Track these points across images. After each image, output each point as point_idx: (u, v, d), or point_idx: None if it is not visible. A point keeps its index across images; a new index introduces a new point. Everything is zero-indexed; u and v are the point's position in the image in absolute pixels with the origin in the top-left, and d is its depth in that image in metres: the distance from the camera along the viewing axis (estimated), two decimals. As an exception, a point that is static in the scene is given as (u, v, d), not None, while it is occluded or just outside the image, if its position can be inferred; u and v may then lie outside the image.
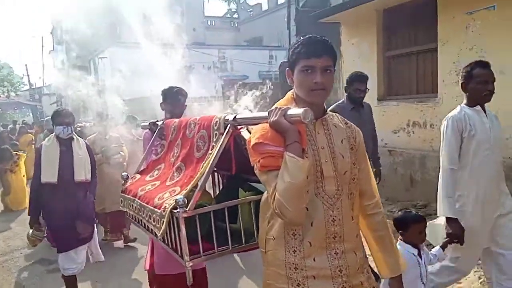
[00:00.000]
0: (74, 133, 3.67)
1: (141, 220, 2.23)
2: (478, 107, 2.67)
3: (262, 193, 1.91)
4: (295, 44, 1.57)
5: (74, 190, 3.50)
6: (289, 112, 1.47)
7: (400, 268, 1.79)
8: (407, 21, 6.29)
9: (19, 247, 5.62)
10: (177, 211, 1.74)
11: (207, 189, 2.41)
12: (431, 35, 5.80)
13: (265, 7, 26.19)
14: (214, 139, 2.00)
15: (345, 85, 4.00)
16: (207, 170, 1.83)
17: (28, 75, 28.61)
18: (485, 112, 2.68)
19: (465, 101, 2.74)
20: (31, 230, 3.55)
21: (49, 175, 3.44)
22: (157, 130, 2.87)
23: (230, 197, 2.27)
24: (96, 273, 4.33)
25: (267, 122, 1.54)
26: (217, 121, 2.01)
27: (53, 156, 3.49)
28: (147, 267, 3.06)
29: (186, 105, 3.31)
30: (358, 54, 7.11)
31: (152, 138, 2.87)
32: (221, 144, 1.86)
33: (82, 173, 3.53)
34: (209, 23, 26.82)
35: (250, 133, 2.00)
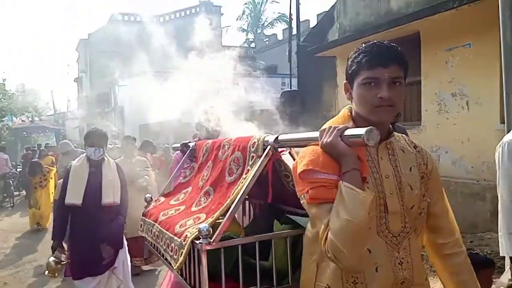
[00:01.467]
0: (105, 154, 3.52)
1: (159, 249, 1.97)
2: None
3: (301, 227, 1.62)
4: (356, 51, 1.32)
5: (101, 213, 3.30)
6: (348, 132, 1.20)
7: None
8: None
9: (30, 260, 5.50)
10: (199, 242, 1.47)
11: (236, 218, 2.15)
12: (416, 69, 6.37)
13: (280, 37, 26.71)
14: (250, 163, 1.74)
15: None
16: (239, 196, 1.57)
17: (53, 101, 30.13)
18: None
19: None
20: (51, 258, 3.33)
21: (74, 196, 3.28)
22: (188, 151, 2.67)
23: (262, 230, 1.98)
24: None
25: (317, 145, 1.27)
26: (255, 142, 1.76)
27: (81, 177, 3.35)
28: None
29: (219, 131, 3.11)
30: None
31: (182, 160, 2.66)
32: (258, 168, 1.60)
33: (110, 196, 3.34)
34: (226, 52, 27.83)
35: (293, 157, 1.73)
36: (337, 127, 1.23)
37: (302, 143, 1.46)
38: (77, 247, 3.30)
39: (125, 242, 3.55)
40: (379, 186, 1.27)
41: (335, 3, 9.19)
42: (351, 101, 1.37)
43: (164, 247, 1.82)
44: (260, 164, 1.60)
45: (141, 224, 2.38)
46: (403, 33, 6.46)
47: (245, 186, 1.58)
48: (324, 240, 1.15)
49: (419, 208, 1.31)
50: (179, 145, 3.05)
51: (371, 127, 1.14)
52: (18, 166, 14.55)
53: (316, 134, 1.35)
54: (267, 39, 30.20)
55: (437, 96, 6.19)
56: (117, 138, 5.48)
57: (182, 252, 1.57)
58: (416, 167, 1.35)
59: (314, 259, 1.32)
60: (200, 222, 1.68)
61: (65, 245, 3.39)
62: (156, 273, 5.06)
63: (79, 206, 3.25)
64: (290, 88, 12.25)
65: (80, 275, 3.25)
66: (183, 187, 2.42)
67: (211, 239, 1.48)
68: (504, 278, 2.36)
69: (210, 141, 2.35)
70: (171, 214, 2.03)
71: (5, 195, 11.47)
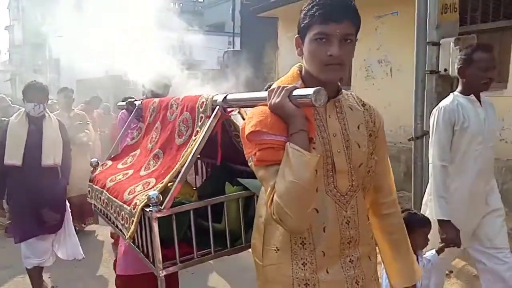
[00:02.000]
0: (46, 110, 3.27)
1: (109, 216, 1.90)
2: (473, 96, 2.35)
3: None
4: (309, 3, 1.23)
5: (41, 175, 3.13)
6: (296, 92, 1.15)
7: (416, 276, 1.52)
8: None
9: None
10: (149, 210, 1.42)
11: (188, 179, 2.10)
12: None
13: None
14: (199, 123, 1.67)
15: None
16: (188, 160, 1.51)
17: None
18: (479, 102, 2.36)
19: (459, 88, 2.41)
20: None
21: (13, 156, 3.06)
22: (134, 110, 2.53)
23: (215, 191, 1.96)
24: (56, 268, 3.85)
25: (266, 105, 1.22)
26: (203, 102, 1.68)
27: (20, 136, 3.10)
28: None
29: (170, 85, 2.97)
30: (292, 46, 7.96)
31: (128, 120, 2.53)
32: (207, 129, 1.53)
33: (50, 157, 3.15)
34: (172, 5, 26.62)
35: (243, 117, 1.68)
36: (285, 87, 1.17)
37: (250, 103, 1.40)
38: (18, 211, 3.14)
39: (68, 204, 3.43)
40: (327, 145, 1.25)
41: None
42: (302, 58, 1.31)
43: (115, 215, 1.76)
44: (209, 125, 1.54)
45: (89, 191, 2.28)
46: None
47: (194, 149, 1.52)
48: (270, 202, 1.14)
49: (367, 166, 1.31)
50: (124, 103, 2.89)
51: (319, 87, 1.10)
52: None
53: (265, 94, 1.29)
54: None
55: (365, 62, 6.48)
56: (64, 92, 5.02)
57: (133, 221, 1.52)
58: (364, 125, 1.34)
59: (262, 221, 1.32)
60: (150, 188, 1.62)
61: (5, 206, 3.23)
62: (95, 235, 4.97)
63: (19, 167, 3.06)
64: (233, 47, 12.04)
65: (23, 236, 3.13)
66: (130, 149, 2.31)
67: (161, 206, 1.44)
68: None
69: (156, 100, 2.23)
70: (119, 179, 1.94)
71: None
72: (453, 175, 2.35)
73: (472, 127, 2.30)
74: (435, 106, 2.47)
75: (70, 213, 3.43)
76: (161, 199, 1.43)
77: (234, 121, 1.71)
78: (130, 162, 2.16)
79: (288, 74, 1.33)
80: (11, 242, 3.29)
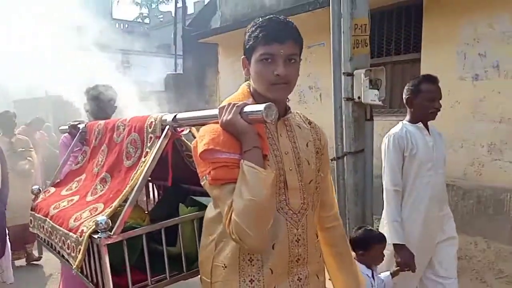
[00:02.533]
0: None
1: (54, 246, 1.78)
2: (421, 124, 2.48)
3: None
4: (253, 26, 1.26)
5: None
6: (247, 108, 1.16)
7: (361, 286, 1.56)
8: None
9: None
10: (98, 237, 1.35)
11: (139, 202, 2.03)
12: None
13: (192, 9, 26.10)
14: (149, 144, 1.63)
15: None
16: (139, 182, 1.46)
17: None
18: (428, 130, 2.49)
19: (408, 117, 2.54)
20: None
21: None
22: (78, 134, 2.42)
23: (168, 214, 1.91)
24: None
25: (217, 123, 1.22)
26: (152, 122, 1.64)
27: None
28: None
29: (116, 106, 2.87)
30: (232, 71, 8.31)
31: (72, 144, 2.41)
32: (158, 150, 1.50)
33: None
34: (117, 26, 26.40)
35: (194, 136, 1.66)
36: (236, 103, 1.18)
37: (201, 121, 1.39)
38: None
39: (7, 231, 3.20)
40: (279, 163, 1.26)
41: (218, -11, 9.67)
42: (249, 77, 1.33)
43: (60, 244, 1.65)
44: (159, 146, 1.50)
45: (31, 220, 2.13)
46: None
47: (144, 171, 1.47)
48: (228, 222, 1.12)
49: (315, 183, 1.34)
50: (66, 127, 2.76)
51: (269, 103, 1.11)
52: None
53: (215, 111, 1.29)
54: (161, 15, 28.83)
55: (298, 88, 6.86)
56: (4, 116, 4.63)
57: (80, 249, 1.43)
58: (312, 142, 1.37)
59: (213, 239, 1.29)
60: (98, 213, 1.55)
61: None
62: (43, 268, 4.65)
63: None
64: (176, 70, 12.23)
65: None
66: (75, 174, 2.20)
67: (111, 231, 1.37)
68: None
69: (102, 122, 2.15)
70: (64, 206, 1.83)
71: None
72: (406, 200, 2.43)
73: (420, 153, 2.39)
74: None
75: (14, 243, 3.20)
76: (110, 224, 1.37)
77: (186, 140, 1.68)
78: (75, 187, 2.06)
79: (238, 92, 1.34)
80: None
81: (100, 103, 2.75)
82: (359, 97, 2.96)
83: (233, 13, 8.34)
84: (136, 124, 1.77)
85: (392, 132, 2.49)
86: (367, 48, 3.33)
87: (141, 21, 29.10)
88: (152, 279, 1.48)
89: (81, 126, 2.47)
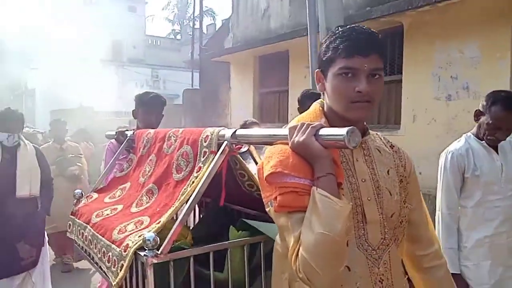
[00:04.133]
0: (21, 138, 3.08)
1: (92, 256, 1.71)
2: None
3: (260, 233, 1.46)
4: (332, 35, 1.14)
5: (16, 206, 2.89)
6: (324, 131, 1.04)
7: None
8: (273, 67, 8.33)
9: None
10: (144, 254, 1.25)
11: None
12: (284, 80, 7.82)
13: (205, 30, 26.77)
14: (202, 159, 1.53)
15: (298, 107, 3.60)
16: (192, 198, 1.36)
17: None
18: (496, 147, 2.18)
19: (474, 130, 2.25)
20: None
21: None
22: (125, 141, 2.38)
23: (211, 233, 1.80)
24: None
25: (285, 143, 1.10)
26: (207, 136, 1.55)
27: None
28: None
29: (163, 115, 2.84)
30: (241, 88, 9.11)
31: (118, 151, 2.37)
32: (214, 166, 1.40)
33: (26, 187, 2.93)
34: (150, 42, 27.27)
35: (252, 156, 1.55)
36: (311, 124, 1.06)
37: (265, 141, 1.29)
38: None
39: (46, 238, 3.17)
40: (356, 192, 1.13)
41: (231, 14, 10.24)
42: (323, 94, 1.21)
43: (99, 256, 1.57)
44: (215, 162, 1.40)
45: (70, 225, 2.08)
46: (277, 49, 7.71)
47: (199, 187, 1.37)
48: (295, 257, 0.99)
49: (399, 216, 1.19)
50: (113, 132, 2.74)
51: (352, 127, 0.99)
52: None
53: (284, 131, 1.18)
54: (191, 32, 29.91)
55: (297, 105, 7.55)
56: (56, 124, 4.83)
57: (122, 265, 1.34)
58: (394, 169, 1.22)
59: (286, 277, 1.14)
60: (143, 228, 1.46)
61: None
62: (91, 272, 4.62)
63: None
64: (192, 86, 13.13)
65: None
66: (119, 182, 2.15)
67: (158, 250, 1.27)
68: None
69: (152, 131, 2.09)
70: (107, 215, 1.76)
71: None
72: (470, 226, 2.20)
73: (485, 175, 2.15)
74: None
75: (61, 248, 3.16)
76: (158, 242, 1.26)
77: (241, 159, 1.58)
78: (119, 196, 1.99)
79: (310, 110, 1.23)
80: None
81: (150, 109, 2.72)
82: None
83: (243, 35, 9.01)
84: (189, 136, 1.68)
85: (452, 149, 2.24)
86: None
87: (173, 37, 29.93)
88: (196, 305, 1.35)
89: (128, 133, 2.43)
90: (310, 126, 1.05)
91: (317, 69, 1.19)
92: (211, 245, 1.38)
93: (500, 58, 4.70)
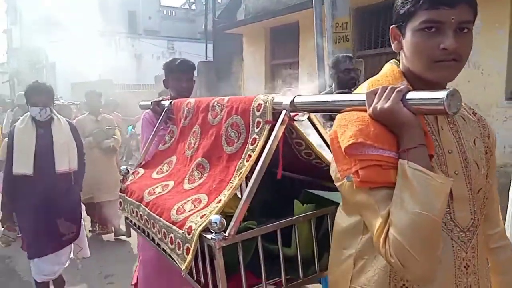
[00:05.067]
0: (54, 112, 3.01)
1: (150, 235, 1.68)
2: None
3: (324, 205, 1.37)
4: None
5: (55, 182, 2.89)
6: (413, 95, 0.90)
7: None
8: (283, 39, 8.41)
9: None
10: (212, 238, 1.19)
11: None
12: (295, 52, 7.91)
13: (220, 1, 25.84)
14: (256, 130, 1.43)
15: (330, 72, 3.42)
16: (255, 175, 1.26)
17: None
18: None
19: None
20: (2, 229, 2.95)
21: (23, 165, 2.80)
22: (163, 112, 2.29)
23: (265, 202, 1.74)
24: (79, 273, 3.77)
25: (361, 110, 0.98)
26: (260, 104, 1.43)
27: (28, 142, 2.84)
28: (134, 281, 2.53)
29: (194, 81, 2.72)
30: (253, 60, 9.19)
31: (157, 123, 2.29)
32: (275, 138, 1.29)
33: (65, 161, 2.91)
34: (165, 13, 26.55)
35: (312, 123, 1.43)
36: (396, 87, 0.93)
37: (330, 108, 1.16)
38: (30, 223, 2.90)
39: (84, 213, 3.24)
40: (443, 165, 0.99)
41: (243, -16, 10.58)
42: (399, 53, 1.06)
43: (159, 236, 1.53)
44: (276, 133, 1.29)
45: (121, 202, 2.06)
46: (288, 21, 7.67)
47: (261, 161, 1.27)
48: (383, 239, 0.89)
49: (484, 193, 1.05)
50: (148, 102, 2.65)
51: (453, 89, 0.84)
52: None
53: (354, 96, 1.05)
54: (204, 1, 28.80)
55: (308, 75, 7.33)
56: (91, 95, 4.82)
57: (188, 248, 1.28)
58: (480, 139, 1.08)
59: (350, 254, 1.05)
60: (203, 207, 1.39)
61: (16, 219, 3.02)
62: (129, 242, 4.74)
63: (30, 176, 2.82)
64: (206, 58, 12.88)
65: (37, 253, 2.90)
66: (164, 155, 2.08)
67: (224, 232, 1.20)
68: None
69: (192, 101, 1.99)
70: (159, 193, 1.71)
71: None
72: None
73: None
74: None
75: (100, 219, 3.20)
76: (225, 224, 1.20)
77: (298, 126, 1.46)
78: (167, 171, 1.93)
79: (385, 72, 1.08)
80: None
81: (179, 75, 2.60)
82: (338, 86, 3.24)
83: (255, 7, 9.02)
84: (238, 105, 1.57)
85: None
86: (348, 43, 4.02)
87: (188, 7, 28.95)
88: (268, 282, 1.30)
89: (165, 103, 2.33)
90: (396, 90, 0.91)
91: (392, 25, 1.03)
92: (278, 222, 1.31)
93: (499, 28, 4.75)
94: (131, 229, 2.05)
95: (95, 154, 4.44)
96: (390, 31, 1.04)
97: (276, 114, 1.37)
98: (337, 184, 1.04)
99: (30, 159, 2.81)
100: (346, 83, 3.19)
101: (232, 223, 1.21)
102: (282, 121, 1.30)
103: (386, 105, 0.91)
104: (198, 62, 13.04)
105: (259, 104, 1.44)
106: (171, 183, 1.76)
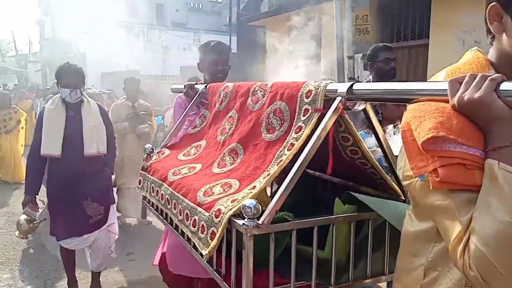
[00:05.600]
0: (84, 95, 2.93)
1: (169, 216, 1.57)
2: None
3: (368, 209, 1.24)
4: None
5: (83, 165, 2.79)
6: (508, 85, 0.77)
7: None
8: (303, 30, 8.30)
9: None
10: (244, 224, 1.07)
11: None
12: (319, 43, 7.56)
13: None
14: (303, 118, 1.31)
15: (369, 62, 3.25)
16: (298, 164, 1.14)
17: (14, 41, 28.63)
18: None
19: None
20: (23, 216, 2.82)
21: (51, 146, 2.72)
22: (196, 95, 2.20)
23: (296, 203, 1.61)
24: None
25: (439, 101, 0.85)
26: (310, 91, 1.32)
27: (58, 124, 2.76)
28: (156, 262, 2.44)
29: (229, 65, 2.63)
30: (276, 51, 9.62)
31: (189, 106, 2.20)
32: (325, 127, 1.17)
33: (93, 145, 2.81)
34: (192, 5, 26.91)
35: (367, 116, 1.31)
36: (488, 75, 0.80)
37: (398, 97, 1.04)
38: (57, 205, 2.82)
39: (115, 197, 3.11)
40: None
41: (267, -23, 10.64)
42: (496, 36, 0.91)
43: (180, 218, 1.42)
44: (327, 122, 1.17)
45: (140, 180, 1.96)
46: (310, 13, 7.46)
47: (306, 150, 1.15)
48: (462, 249, 0.76)
49: None
50: (180, 86, 2.57)
51: None
52: None
53: (431, 85, 0.92)
54: None
55: (330, 65, 7.62)
56: (131, 82, 4.83)
57: (213, 232, 1.17)
58: None
59: (420, 264, 0.93)
60: (234, 192, 1.28)
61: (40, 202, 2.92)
62: (146, 224, 4.68)
63: (58, 158, 2.73)
64: (230, 50, 13.01)
65: (64, 235, 2.81)
66: (192, 139, 1.99)
67: (258, 219, 1.08)
68: None
69: (230, 85, 1.89)
70: (185, 174, 1.60)
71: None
72: None
73: None
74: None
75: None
76: (260, 210, 1.08)
77: (348, 118, 1.33)
78: (194, 154, 1.83)
79: (468, 60, 0.95)
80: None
81: (214, 58, 2.51)
82: (358, 77, 3.35)
83: None
84: (284, 91, 1.46)
85: None
86: (369, 35, 4.19)
87: (214, 0, 29.29)
88: (296, 283, 1.17)
89: (199, 87, 2.24)
90: (489, 78, 0.79)
91: (492, 3, 0.89)
92: (316, 218, 1.18)
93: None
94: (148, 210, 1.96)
95: (129, 140, 4.40)
96: (489, 9, 0.89)
97: (327, 102, 1.25)
98: (405, 183, 0.92)
99: (59, 140, 2.72)
100: (386, 73, 3.04)
101: (267, 211, 1.09)
102: (336, 109, 1.18)
103: (477, 95, 0.78)
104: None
105: (309, 91, 1.32)
106: (198, 166, 1.66)
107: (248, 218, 1.07)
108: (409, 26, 5.92)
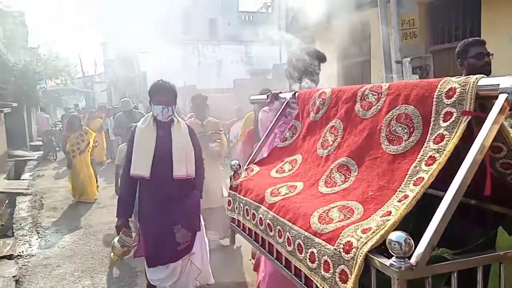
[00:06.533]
0: (175, 114, 2.76)
1: (270, 245, 1.35)
2: None
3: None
4: None
5: (172, 188, 2.63)
6: None
7: None
8: (355, 38, 7.89)
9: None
10: (392, 264, 0.82)
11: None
12: (368, 49, 7.70)
13: None
14: (443, 124, 1.04)
15: (459, 59, 2.78)
16: (458, 186, 0.87)
17: (81, 64, 30.69)
18: None
19: None
20: (116, 239, 2.69)
21: (141, 167, 2.58)
22: (283, 105, 1.99)
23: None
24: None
25: None
26: (453, 89, 1.04)
27: (148, 144, 2.61)
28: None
29: (320, 70, 2.41)
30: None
31: (276, 117, 1.99)
32: (488, 134, 0.89)
33: (183, 167, 2.63)
34: (243, 18, 27.08)
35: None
36: None
37: None
38: (148, 228, 2.69)
39: (203, 223, 2.90)
40: None
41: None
42: None
43: (290, 249, 1.19)
44: (492, 127, 0.89)
45: (230, 201, 1.77)
46: (359, 19, 7.31)
47: (467, 167, 0.88)
48: None
49: None
50: (259, 97, 2.38)
51: None
52: (57, 124, 14.79)
53: None
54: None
55: (379, 72, 6.89)
56: (198, 99, 4.79)
57: (344, 272, 0.92)
58: None
59: None
60: (359, 219, 1.03)
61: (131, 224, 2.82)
62: (235, 247, 4.32)
63: (147, 179, 2.58)
64: (280, 61, 13.42)
65: (154, 262, 2.66)
66: (284, 153, 1.77)
67: (409, 259, 0.82)
68: None
69: (327, 90, 1.65)
70: (286, 194, 1.38)
71: (47, 150, 11.96)
72: None
73: None
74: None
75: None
76: (413, 248, 0.82)
77: (507, 126, 1.03)
78: (290, 170, 1.61)
79: None
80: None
81: (304, 64, 2.30)
82: (406, 81, 3.42)
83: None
84: (409, 92, 1.19)
85: None
86: (416, 39, 4.20)
87: (265, 10, 29.29)
88: None
89: (286, 95, 2.04)
90: None
91: None
92: (479, 256, 0.90)
93: None
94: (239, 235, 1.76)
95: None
96: None
97: (479, 103, 0.97)
98: None
99: (148, 161, 2.55)
100: (479, 70, 2.60)
101: (422, 248, 0.83)
102: (501, 109, 0.89)
103: None
104: (272, 65, 13.19)
105: (452, 89, 1.04)
106: (299, 184, 1.43)
107: (396, 257, 0.82)
108: (460, 26, 5.75)
